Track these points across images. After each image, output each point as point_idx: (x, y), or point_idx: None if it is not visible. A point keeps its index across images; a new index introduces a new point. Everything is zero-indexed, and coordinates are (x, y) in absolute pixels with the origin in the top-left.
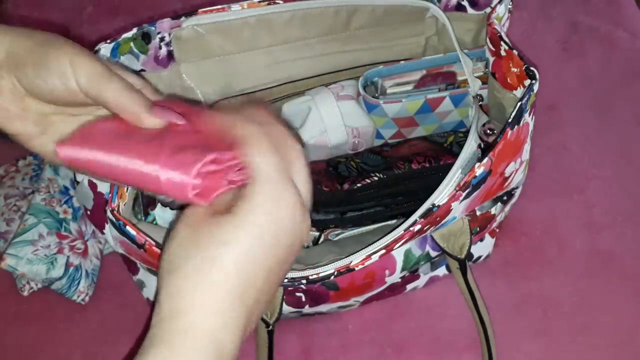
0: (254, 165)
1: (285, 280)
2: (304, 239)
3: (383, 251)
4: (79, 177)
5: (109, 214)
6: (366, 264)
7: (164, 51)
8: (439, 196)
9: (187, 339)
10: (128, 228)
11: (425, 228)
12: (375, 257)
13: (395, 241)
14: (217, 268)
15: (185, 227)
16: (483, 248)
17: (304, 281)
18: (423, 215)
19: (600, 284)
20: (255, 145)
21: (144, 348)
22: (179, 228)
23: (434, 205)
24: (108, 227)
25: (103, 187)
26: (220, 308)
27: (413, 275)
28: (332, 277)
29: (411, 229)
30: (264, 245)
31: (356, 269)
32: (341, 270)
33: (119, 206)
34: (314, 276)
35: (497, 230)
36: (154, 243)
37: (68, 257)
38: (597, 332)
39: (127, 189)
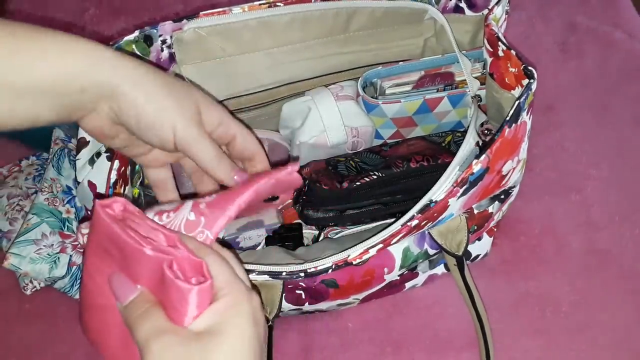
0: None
1: (284, 274)
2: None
3: (380, 245)
4: (80, 177)
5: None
6: (364, 257)
7: (165, 53)
8: (437, 192)
9: None
10: None
11: (422, 223)
12: (372, 252)
13: (393, 236)
14: None
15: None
16: (481, 247)
17: (302, 274)
18: (420, 211)
19: (598, 283)
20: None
21: None
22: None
23: (431, 201)
24: None
25: (102, 188)
26: None
27: (412, 273)
28: (330, 271)
29: (408, 224)
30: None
31: (354, 262)
32: (339, 264)
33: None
34: (312, 269)
35: (495, 229)
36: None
37: (71, 256)
38: (595, 330)
39: (124, 191)
